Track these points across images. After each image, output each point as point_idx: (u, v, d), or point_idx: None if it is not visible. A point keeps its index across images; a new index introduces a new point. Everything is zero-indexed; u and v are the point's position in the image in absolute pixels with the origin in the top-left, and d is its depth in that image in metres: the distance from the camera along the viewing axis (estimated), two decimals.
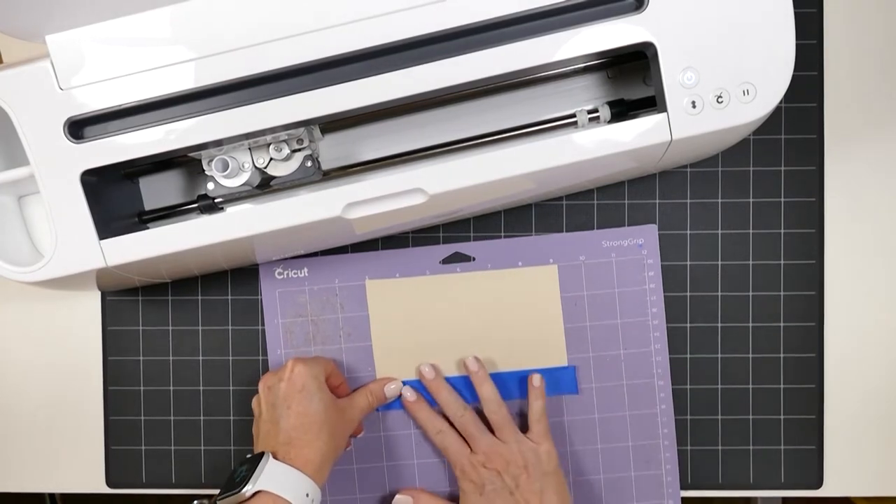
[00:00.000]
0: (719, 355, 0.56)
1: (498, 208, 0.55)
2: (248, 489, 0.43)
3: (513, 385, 0.56)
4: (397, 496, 0.55)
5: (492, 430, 0.53)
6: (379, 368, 0.56)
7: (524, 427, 0.53)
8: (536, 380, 0.54)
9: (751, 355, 0.56)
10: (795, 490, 0.56)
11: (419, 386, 0.56)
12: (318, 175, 0.47)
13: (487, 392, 0.53)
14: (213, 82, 0.41)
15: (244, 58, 0.41)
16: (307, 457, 0.46)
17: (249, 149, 0.45)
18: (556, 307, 0.56)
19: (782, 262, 0.55)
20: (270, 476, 0.44)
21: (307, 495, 0.45)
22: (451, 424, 0.54)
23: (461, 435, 0.53)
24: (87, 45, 0.41)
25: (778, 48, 0.41)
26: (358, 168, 0.50)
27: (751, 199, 0.55)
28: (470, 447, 0.53)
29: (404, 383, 0.56)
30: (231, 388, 0.57)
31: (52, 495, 1.09)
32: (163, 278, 0.54)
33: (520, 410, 0.56)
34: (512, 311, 0.56)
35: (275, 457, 0.46)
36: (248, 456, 0.47)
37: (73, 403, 0.58)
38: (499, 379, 0.55)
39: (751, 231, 0.55)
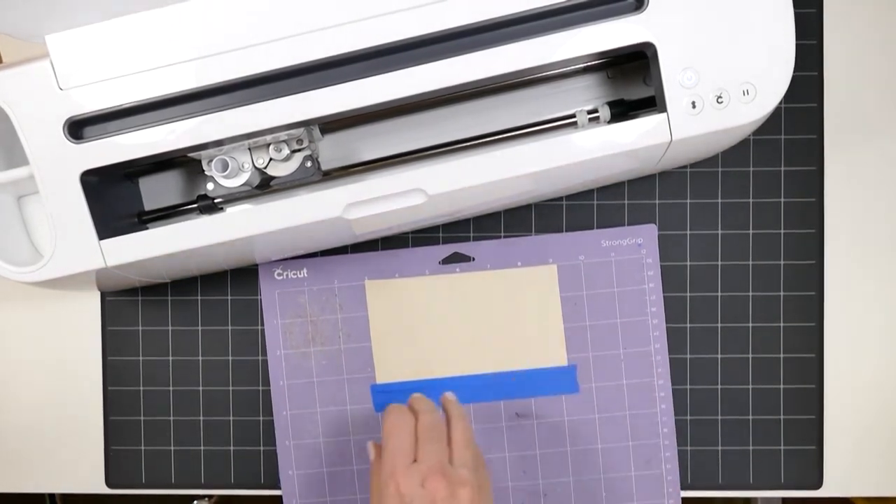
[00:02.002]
0: (719, 355, 0.56)
1: (498, 208, 0.55)
2: None
3: (511, 385, 0.56)
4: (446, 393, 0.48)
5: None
6: (378, 369, 0.56)
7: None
8: (450, 395, 0.46)
9: (751, 355, 0.56)
10: (795, 490, 0.56)
11: (418, 387, 0.56)
12: (317, 175, 0.47)
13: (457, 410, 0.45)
14: (213, 82, 0.41)
15: (244, 58, 0.41)
16: None
17: (249, 149, 0.45)
18: (556, 307, 0.55)
19: (782, 262, 0.55)
20: None
21: None
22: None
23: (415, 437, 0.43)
24: (87, 45, 0.41)
25: (778, 48, 0.41)
26: (358, 168, 0.50)
27: (751, 199, 0.55)
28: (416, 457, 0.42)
29: (404, 384, 0.56)
30: (231, 388, 0.57)
31: (52, 495, 1.09)
32: (162, 278, 0.54)
33: (518, 411, 0.56)
34: (512, 311, 0.56)
35: None
36: None
37: (73, 403, 0.58)
38: (497, 379, 0.55)
39: (751, 231, 0.55)
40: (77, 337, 0.58)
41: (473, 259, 0.56)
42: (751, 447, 0.56)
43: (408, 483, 0.40)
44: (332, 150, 0.51)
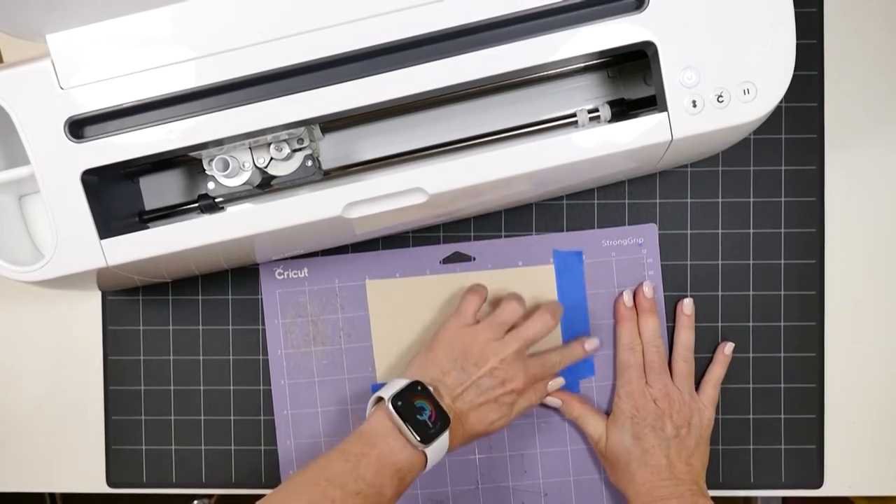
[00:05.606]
0: None
1: (498, 208, 0.55)
2: (425, 448, 0.45)
3: None
4: (549, 398, 0.54)
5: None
6: (379, 369, 0.56)
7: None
8: (728, 348, 0.54)
9: (751, 355, 0.56)
10: (795, 490, 0.56)
11: None
12: (318, 175, 0.47)
13: (686, 338, 0.54)
14: (213, 82, 0.41)
15: (244, 58, 0.41)
16: (463, 439, 0.49)
17: (250, 148, 0.45)
18: None
19: (782, 261, 0.55)
20: (440, 444, 0.46)
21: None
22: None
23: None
24: (88, 45, 0.41)
25: (778, 48, 0.41)
26: (358, 168, 0.50)
27: (751, 199, 0.55)
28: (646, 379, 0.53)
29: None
30: (231, 388, 0.57)
31: (52, 495, 1.09)
32: (163, 278, 0.54)
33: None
34: None
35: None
36: (425, 389, 0.47)
37: (73, 403, 0.58)
38: None
39: (751, 231, 0.55)
40: (77, 337, 0.58)
41: (474, 259, 0.56)
42: (751, 446, 0.56)
43: (644, 401, 0.52)
44: (333, 149, 0.51)
